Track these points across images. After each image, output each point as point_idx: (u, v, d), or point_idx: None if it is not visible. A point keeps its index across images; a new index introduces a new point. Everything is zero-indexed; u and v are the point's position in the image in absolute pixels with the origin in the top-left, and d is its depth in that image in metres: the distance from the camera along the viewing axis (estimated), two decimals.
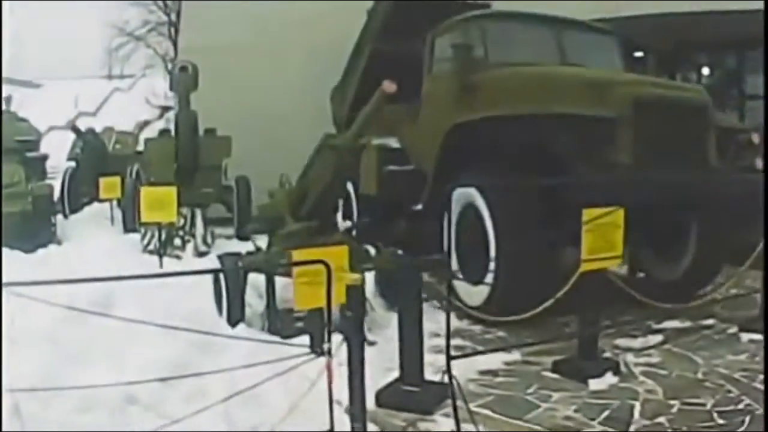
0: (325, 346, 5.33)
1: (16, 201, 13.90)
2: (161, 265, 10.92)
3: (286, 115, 17.56)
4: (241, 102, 17.30)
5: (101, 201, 16.63)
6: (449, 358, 6.07)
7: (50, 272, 9.76)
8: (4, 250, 11.22)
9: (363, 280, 6.08)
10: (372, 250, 9.84)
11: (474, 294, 9.72)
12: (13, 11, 41.72)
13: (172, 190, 11.26)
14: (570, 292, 7.59)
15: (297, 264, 5.80)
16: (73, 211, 18.05)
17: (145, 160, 16.22)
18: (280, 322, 8.78)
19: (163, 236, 12.32)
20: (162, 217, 11.32)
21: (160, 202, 11.20)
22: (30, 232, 13.44)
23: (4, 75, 34.63)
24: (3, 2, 34.06)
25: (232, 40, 18.02)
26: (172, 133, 15.91)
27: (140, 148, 19.25)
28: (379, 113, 9.14)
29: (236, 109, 16.79)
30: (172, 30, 29.21)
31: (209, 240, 14.09)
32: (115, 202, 16.27)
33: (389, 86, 8.53)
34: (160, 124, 28.48)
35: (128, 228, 15.04)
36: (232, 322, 8.31)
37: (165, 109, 30.69)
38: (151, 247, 13.14)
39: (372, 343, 7.61)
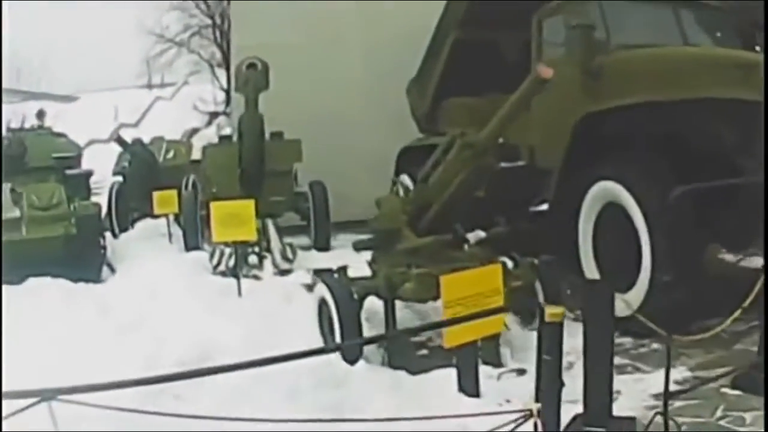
0: (534, 407, 4.13)
1: (57, 224, 12.66)
2: (240, 290, 9.87)
3: (350, 114, 16.71)
4: (301, 102, 16.01)
5: (155, 217, 15.40)
6: (668, 395, 5.28)
7: (111, 314, 9.27)
8: (47, 280, 10.63)
9: (563, 315, 4.88)
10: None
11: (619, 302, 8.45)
12: (46, 22, 41.05)
13: (250, 204, 10.12)
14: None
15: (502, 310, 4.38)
16: (123, 229, 16.89)
17: (203, 169, 15.18)
18: (402, 355, 7.65)
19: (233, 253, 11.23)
20: (239, 235, 10.15)
21: (236, 218, 10.04)
22: (76, 258, 12.24)
23: (38, 90, 33.89)
24: (35, 15, 33.53)
25: (288, 37, 16.82)
26: (233, 138, 15.06)
27: (195, 156, 18.19)
28: (529, 102, 8.03)
29: (296, 110, 15.48)
30: (217, 32, 27.95)
31: (289, 254, 12.70)
32: (170, 218, 15.08)
33: (545, 71, 7.22)
34: (210, 132, 27.34)
35: (190, 246, 13.70)
36: (350, 360, 7.02)
37: (214, 115, 29.60)
38: (222, 267, 11.95)
39: (522, 372, 7.06)
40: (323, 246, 13.99)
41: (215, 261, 12.10)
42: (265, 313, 8.94)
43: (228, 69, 27.52)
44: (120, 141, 19.27)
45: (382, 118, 15.54)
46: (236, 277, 10.05)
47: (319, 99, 16.34)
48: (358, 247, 9.22)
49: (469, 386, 6.23)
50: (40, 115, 19.87)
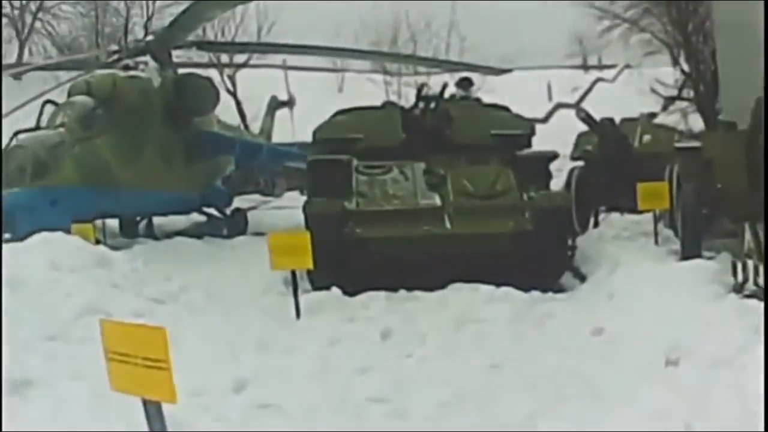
0: None
1: (503, 217, 11.78)
2: None
3: None
4: None
5: (636, 212, 14.15)
6: None
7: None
8: (487, 289, 10.29)
9: None
10: None
11: None
12: None
13: None
14: None
15: None
16: (584, 226, 15.63)
17: (700, 160, 12.97)
18: None
19: None
20: None
21: None
22: (530, 261, 11.20)
23: (467, 60, 33.29)
24: None
25: None
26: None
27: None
28: None
29: None
30: (673, 9, 26.10)
31: None
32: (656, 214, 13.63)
33: None
34: (670, 118, 25.76)
35: (689, 253, 11.71)
36: None
37: (670, 100, 27.88)
38: (751, 285, 9.69)
39: None
40: None
41: (741, 276, 9.96)
42: None
43: (688, 49, 26.46)
44: (587, 119, 17.65)
45: None
46: None
47: None
48: None
49: None
50: (464, 83, 18.27)
